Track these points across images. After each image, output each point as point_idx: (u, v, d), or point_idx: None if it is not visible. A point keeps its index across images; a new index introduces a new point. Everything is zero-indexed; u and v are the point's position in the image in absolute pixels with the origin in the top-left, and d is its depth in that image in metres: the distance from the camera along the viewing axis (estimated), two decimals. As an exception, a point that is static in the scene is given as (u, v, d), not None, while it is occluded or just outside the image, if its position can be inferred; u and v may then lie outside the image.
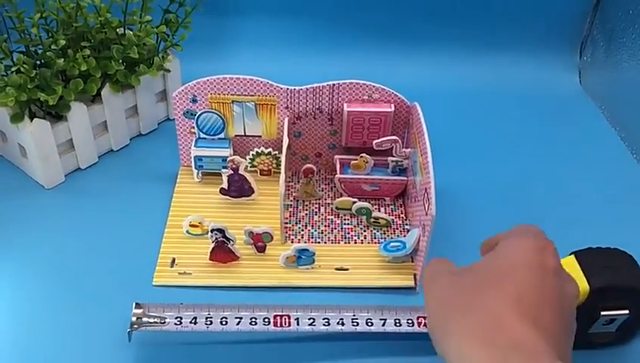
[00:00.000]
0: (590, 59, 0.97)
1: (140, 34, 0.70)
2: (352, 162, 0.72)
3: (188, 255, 0.65)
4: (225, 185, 0.70)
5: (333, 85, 0.69)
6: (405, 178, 0.71)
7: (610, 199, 0.76)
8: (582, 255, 0.54)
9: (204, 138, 0.73)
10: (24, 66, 0.63)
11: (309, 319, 0.57)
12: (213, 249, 0.63)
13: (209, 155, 0.72)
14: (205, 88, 0.69)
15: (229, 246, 0.63)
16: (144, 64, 0.73)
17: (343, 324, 0.57)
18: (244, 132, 0.73)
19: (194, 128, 0.72)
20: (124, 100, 0.76)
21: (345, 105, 0.70)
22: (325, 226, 0.70)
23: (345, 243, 0.68)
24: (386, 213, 0.71)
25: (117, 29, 0.72)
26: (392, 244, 0.65)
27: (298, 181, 0.75)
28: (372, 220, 0.69)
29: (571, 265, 0.54)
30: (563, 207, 0.74)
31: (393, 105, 0.70)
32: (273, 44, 0.96)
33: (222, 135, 0.73)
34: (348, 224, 0.70)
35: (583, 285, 0.51)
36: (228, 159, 0.68)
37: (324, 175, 0.77)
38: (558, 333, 0.38)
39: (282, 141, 0.69)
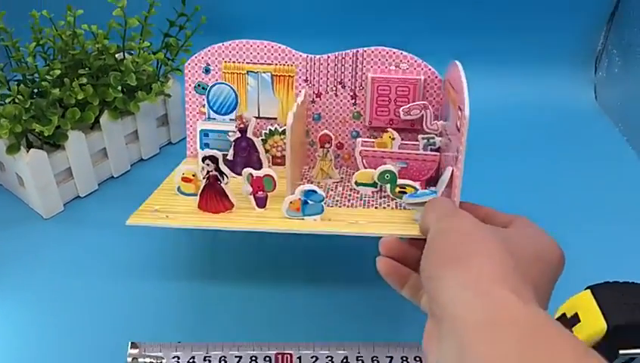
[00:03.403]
0: (605, 74, 0.94)
1: (138, 60, 0.69)
2: (377, 140, 0.64)
3: (175, 206, 0.57)
4: (230, 155, 0.62)
5: (357, 51, 0.63)
6: (438, 155, 0.61)
7: (628, 224, 0.73)
8: (598, 291, 0.51)
9: (214, 118, 0.66)
10: (19, 97, 0.61)
11: (312, 357, 0.54)
12: (204, 190, 0.55)
13: (217, 129, 0.64)
14: (219, 54, 0.64)
15: (222, 185, 0.54)
16: (143, 90, 0.71)
17: (347, 362, 0.54)
18: (258, 113, 0.66)
19: (204, 106, 0.66)
20: (124, 127, 0.74)
21: (369, 73, 0.63)
22: (342, 197, 0.60)
23: (364, 208, 0.58)
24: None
25: (116, 54, 0.71)
26: (419, 192, 0.56)
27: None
28: (397, 189, 0.59)
29: (587, 301, 0.50)
30: (577, 232, 0.71)
31: (422, 76, 0.63)
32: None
33: (232, 115, 0.65)
34: (369, 197, 0.60)
35: (600, 323, 0.49)
36: (236, 115, 0.61)
37: (346, 171, 0.67)
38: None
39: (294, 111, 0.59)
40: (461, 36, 0.93)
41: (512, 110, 0.93)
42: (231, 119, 0.65)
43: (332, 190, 0.62)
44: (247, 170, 0.55)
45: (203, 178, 0.54)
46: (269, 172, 0.55)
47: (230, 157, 0.62)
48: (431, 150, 0.62)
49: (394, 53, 0.63)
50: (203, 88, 0.65)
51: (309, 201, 0.54)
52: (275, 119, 0.66)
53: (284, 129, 0.62)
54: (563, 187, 0.79)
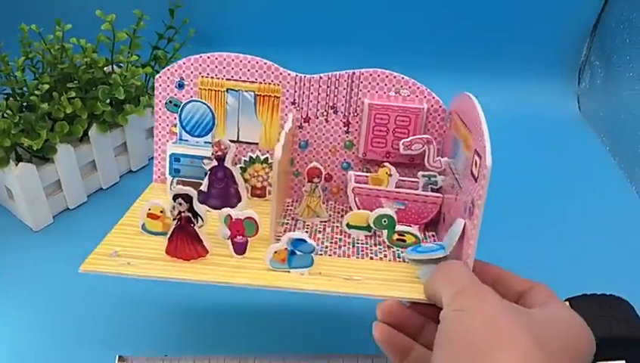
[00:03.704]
0: (588, 85, 0.96)
1: (126, 73, 0.69)
2: (371, 175, 0.57)
3: (139, 248, 0.49)
4: (204, 186, 0.54)
5: (353, 73, 0.56)
6: (441, 197, 0.54)
7: (607, 236, 0.74)
8: (577, 303, 0.52)
9: (187, 140, 0.58)
10: (8, 111, 0.62)
11: (298, 370, 0.55)
12: (173, 233, 0.46)
13: (190, 153, 0.56)
14: (195, 68, 0.57)
15: (196, 228, 0.46)
16: (132, 103, 0.72)
17: (333, 375, 0.55)
18: (237, 137, 0.58)
19: (175, 125, 0.58)
20: (112, 139, 0.75)
21: (366, 99, 0.56)
22: (332, 242, 0.53)
23: (357, 257, 0.51)
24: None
25: (105, 68, 0.72)
26: (424, 247, 0.50)
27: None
28: (395, 237, 0.52)
29: (565, 313, 0.52)
30: (556, 243, 0.72)
31: (425, 105, 0.56)
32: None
33: (208, 138, 0.58)
34: (363, 243, 0.53)
35: (578, 336, 0.50)
36: (213, 142, 0.53)
37: (334, 206, 0.60)
38: None
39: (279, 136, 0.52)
40: (444, 50, 0.95)
41: (495, 121, 0.93)
42: (206, 142, 0.58)
43: (320, 231, 0.55)
44: (225, 211, 0.47)
45: (174, 219, 0.46)
46: (251, 214, 0.47)
47: (204, 188, 0.54)
48: (432, 189, 0.56)
49: (394, 77, 0.56)
50: (175, 106, 0.58)
51: (297, 251, 0.47)
52: (257, 144, 0.59)
53: (267, 157, 0.57)
54: (545, 197, 0.80)
